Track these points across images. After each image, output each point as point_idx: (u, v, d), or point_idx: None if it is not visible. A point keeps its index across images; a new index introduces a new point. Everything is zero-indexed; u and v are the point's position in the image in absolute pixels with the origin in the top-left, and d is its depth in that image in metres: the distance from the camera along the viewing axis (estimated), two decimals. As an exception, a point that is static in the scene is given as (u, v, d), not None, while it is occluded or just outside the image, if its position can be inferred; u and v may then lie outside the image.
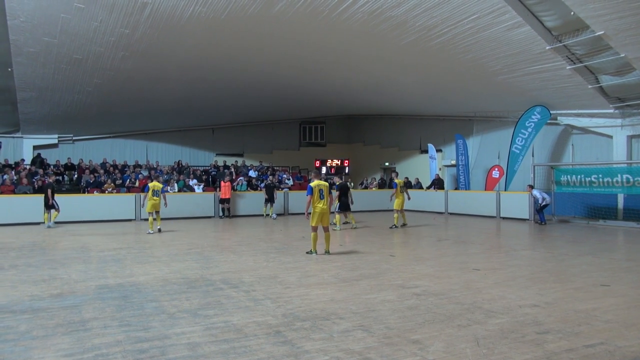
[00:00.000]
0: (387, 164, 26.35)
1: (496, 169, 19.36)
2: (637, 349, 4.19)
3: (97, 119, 21.00)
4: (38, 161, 20.04)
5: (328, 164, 27.61)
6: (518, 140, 17.67)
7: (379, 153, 26.91)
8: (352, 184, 24.51)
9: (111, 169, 20.47)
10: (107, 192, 18.05)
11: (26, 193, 16.56)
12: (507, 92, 16.56)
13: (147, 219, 13.97)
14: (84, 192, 18.14)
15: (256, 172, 22.50)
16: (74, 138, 22.88)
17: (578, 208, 16.55)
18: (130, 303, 5.68)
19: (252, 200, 19.02)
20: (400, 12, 11.62)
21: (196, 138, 25.50)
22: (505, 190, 17.91)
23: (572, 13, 10.89)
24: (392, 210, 14.91)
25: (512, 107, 18.22)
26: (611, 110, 15.21)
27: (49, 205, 14.69)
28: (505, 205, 17.25)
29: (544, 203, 15.36)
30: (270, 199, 18.21)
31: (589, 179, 15.54)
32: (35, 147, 21.85)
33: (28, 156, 21.19)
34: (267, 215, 18.36)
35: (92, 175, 19.18)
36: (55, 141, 22.40)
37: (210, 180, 21.05)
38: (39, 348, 4.19)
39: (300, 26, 12.89)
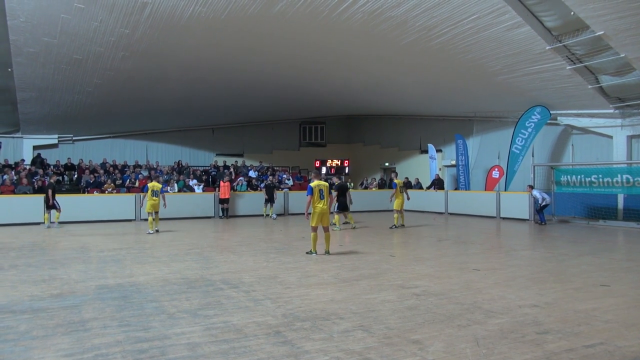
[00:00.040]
0: (387, 164, 26.35)
1: (496, 169, 19.36)
2: (637, 349, 4.19)
3: (97, 119, 21.01)
4: (38, 161, 20.04)
5: (328, 164, 27.61)
6: (518, 140, 17.67)
7: (379, 153, 26.92)
8: (352, 184, 24.56)
9: (111, 169, 20.47)
10: (107, 192, 18.05)
11: (26, 193, 16.56)
12: (507, 92, 16.56)
13: (147, 219, 13.96)
14: (83, 192, 18.14)
15: (256, 172, 22.50)
16: (74, 138, 22.89)
17: (578, 208, 16.55)
18: (130, 303, 5.68)
19: (252, 201, 19.02)
20: (400, 12, 11.62)
21: (196, 138, 25.50)
22: (505, 191, 17.91)
23: (572, 13, 10.89)
24: (392, 211, 14.90)
25: (512, 107, 18.22)
26: (611, 111, 15.21)
27: (50, 206, 14.68)
28: (505, 205, 17.25)
29: (544, 203, 15.36)
30: (270, 199, 18.21)
31: (589, 179, 15.53)
32: (35, 147, 21.86)
33: (28, 156, 21.20)
34: (267, 215, 18.36)
35: (92, 176, 19.18)
36: (55, 141, 22.41)
37: (210, 180, 21.05)
38: (38, 348, 4.19)
39: (300, 26, 12.89)
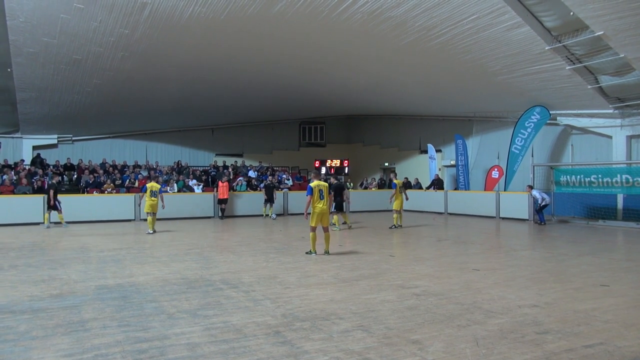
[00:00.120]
0: (386, 164, 26.35)
1: (496, 169, 19.36)
2: (637, 349, 4.19)
3: (96, 119, 21.00)
4: (37, 161, 20.03)
5: (328, 164, 27.61)
6: (517, 140, 17.68)
7: (379, 153, 26.92)
8: (352, 184, 24.59)
9: (110, 169, 20.47)
10: (106, 192, 18.05)
11: (26, 193, 16.56)
12: (507, 93, 16.57)
13: (146, 219, 13.95)
14: (83, 193, 18.14)
15: (256, 173, 22.50)
16: (73, 138, 22.88)
17: (577, 208, 16.55)
18: (129, 303, 5.68)
19: (251, 201, 19.02)
20: (400, 12, 11.62)
21: (196, 138, 25.49)
22: (504, 191, 17.92)
23: (571, 13, 10.89)
24: (391, 211, 14.90)
25: (512, 107, 18.23)
26: (611, 111, 15.22)
27: (51, 206, 14.67)
28: (504, 205, 17.25)
29: (543, 203, 15.37)
30: (269, 199, 18.21)
31: (589, 179, 15.54)
32: (34, 148, 21.85)
33: (27, 156, 21.19)
34: (267, 215, 18.36)
35: (91, 176, 19.18)
36: (55, 141, 22.40)
37: (210, 180, 21.05)
38: (38, 348, 4.19)
39: (300, 26, 12.89)
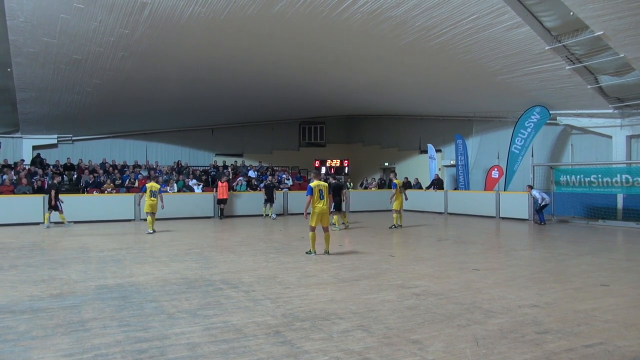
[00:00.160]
0: (386, 164, 26.36)
1: (496, 169, 19.37)
2: (637, 349, 4.19)
3: (96, 119, 21.00)
4: (37, 161, 20.03)
5: (328, 164, 27.62)
6: (517, 140, 17.68)
7: (379, 153, 26.92)
8: (351, 184, 24.59)
9: (110, 169, 20.47)
10: (106, 192, 18.05)
11: (25, 193, 16.56)
12: (507, 92, 16.57)
13: (146, 219, 13.94)
14: (83, 192, 18.14)
15: (256, 173, 22.50)
16: (73, 138, 22.88)
17: (577, 208, 16.56)
18: (129, 303, 5.68)
19: (251, 201, 19.02)
20: (399, 12, 11.62)
21: (196, 138, 25.50)
22: (504, 191, 17.92)
23: (571, 13, 10.89)
24: (391, 211, 14.88)
25: (512, 107, 18.23)
26: (610, 111, 15.22)
27: (52, 206, 14.67)
28: (504, 205, 17.26)
29: (543, 203, 15.37)
30: (269, 199, 18.21)
31: (589, 179, 15.55)
32: (34, 147, 21.86)
33: (27, 156, 21.19)
34: (267, 215, 18.36)
35: (91, 176, 19.18)
36: (55, 141, 22.41)
37: (210, 180, 21.06)
38: (38, 348, 4.19)
39: (300, 26, 12.89)
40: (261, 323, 4.89)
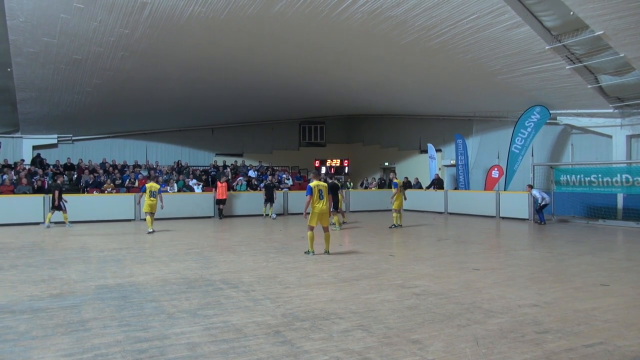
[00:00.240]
0: (386, 163, 26.36)
1: (496, 169, 19.37)
2: (637, 348, 4.19)
3: (96, 119, 21.01)
4: (37, 161, 20.04)
5: (328, 164, 27.63)
6: (517, 140, 17.68)
7: (379, 153, 26.93)
8: (351, 183, 24.59)
9: (110, 169, 20.47)
10: (106, 192, 18.05)
11: (26, 193, 16.55)
12: (507, 92, 16.56)
13: (145, 219, 13.93)
14: (83, 192, 18.13)
15: (256, 172, 22.50)
16: (73, 138, 22.89)
17: (577, 208, 16.56)
18: (129, 303, 5.68)
19: (251, 201, 19.02)
20: (399, 12, 11.62)
21: (196, 138, 25.50)
22: (504, 190, 17.92)
23: (571, 13, 10.89)
24: (391, 210, 14.87)
25: (512, 107, 18.22)
26: (611, 110, 15.22)
27: (56, 206, 14.66)
28: (504, 205, 17.25)
29: (543, 203, 15.37)
30: (269, 199, 18.21)
31: (589, 178, 15.54)
32: (34, 147, 21.86)
33: (27, 156, 21.19)
34: (267, 215, 18.36)
35: (91, 176, 19.18)
36: (55, 141, 22.41)
37: (210, 180, 21.06)
38: (38, 348, 4.19)
39: (300, 26, 12.88)
40: (261, 323, 4.89)
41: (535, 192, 15.68)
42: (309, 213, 9.14)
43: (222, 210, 17.91)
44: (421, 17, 11.80)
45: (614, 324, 4.85)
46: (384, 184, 23.11)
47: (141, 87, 17.84)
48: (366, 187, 23.26)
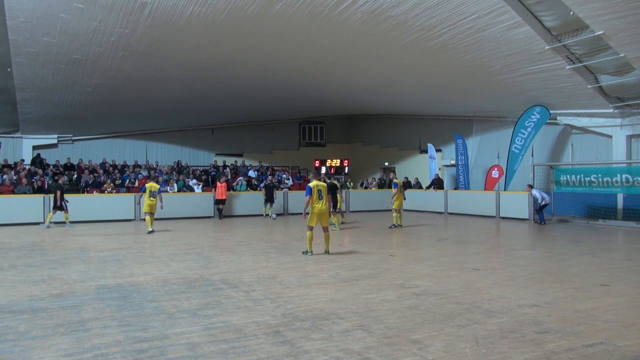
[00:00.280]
0: (386, 163, 26.37)
1: (496, 169, 19.36)
2: (637, 348, 4.19)
3: (96, 119, 21.00)
4: (37, 161, 20.03)
5: (328, 164, 27.63)
6: (517, 140, 17.67)
7: (379, 153, 26.93)
8: (351, 183, 24.59)
9: (110, 169, 20.47)
10: (106, 192, 18.05)
11: (26, 193, 16.55)
12: (507, 92, 16.56)
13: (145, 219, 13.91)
14: (83, 192, 18.13)
15: (256, 172, 22.50)
16: (73, 138, 22.88)
17: (577, 208, 16.55)
18: (129, 303, 5.68)
19: (251, 201, 19.02)
20: (399, 12, 11.62)
21: (196, 138, 25.50)
22: (504, 190, 17.91)
23: (571, 13, 10.89)
24: (391, 210, 14.86)
25: (512, 107, 18.22)
26: (611, 110, 15.21)
27: (58, 206, 14.66)
28: (504, 205, 17.25)
29: (543, 203, 15.37)
30: (269, 199, 18.21)
31: (589, 178, 15.54)
32: (34, 147, 21.86)
33: (27, 156, 21.19)
34: (267, 215, 18.36)
35: (91, 176, 19.18)
36: (55, 141, 22.41)
37: (210, 180, 21.06)
38: (38, 348, 4.19)
39: (300, 26, 12.88)
40: (261, 323, 4.89)
41: (535, 192, 15.68)
42: (308, 213, 9.14)
43: (222, 210, 17.90)
44: (421, 17, 11.80)
45: (614, 324, 4.85)
46: (384, 184, 23.11)
47: (141, 87, 17.84)
48: (366, 187, 23.26)
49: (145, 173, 20.33)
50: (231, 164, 23.31)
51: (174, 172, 20.55)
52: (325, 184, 9.44)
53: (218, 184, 17.87)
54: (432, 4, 11.12)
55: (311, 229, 9.19)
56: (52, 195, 15.04)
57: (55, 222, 15.00)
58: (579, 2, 10.21)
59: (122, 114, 21.20)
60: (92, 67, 15.14)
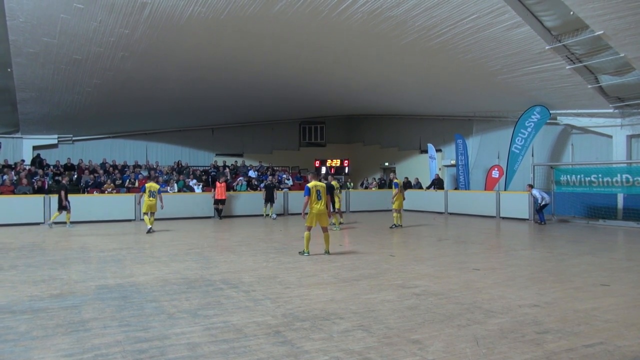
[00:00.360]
0: (387, 164, 26.37)
1: (496, 169, 19.36)
2: (637, 348, 4.19)
3: (96, 119, 21.00)
4: (37, 161, 20.04)
5: (328, 164, 27.63)
6: (518, 140, 17.67)
7: (379, 153, 26.93)
8: (351, 184, 24.60)
9: (111, 169, 20.48)
10: (106, 192, 18.05)
11: (26, 193, 16.56)
12: (507, 92, 16.56)
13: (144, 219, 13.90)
14: (83, 193, 18.14)
15: (256, 173, 22.50)
16: (73, 138, 22.89)
17: (578, 208, 16.55)
18: (130, 303, 5.68)
19: (251, 201, 19.02)
20: (399, 12, 11.62)
21: (196, 138, 25.50)
22: (505, 190, 17.91)
23: (571, 13, 10.89)
24: (391, 210, 14.87)
25: (512, 107, 18.22)
26: (611, 110, 15.21)
27: (62, 206, 14.67)
28: (505, 205, 17.25)
29: (543, 203, 15.37)
30: (269, 199, 18.21)
31: (589, 178, 15.54)
32: (34, 148, 21.86)
33: (28, 156, 21.20)
34: (267, 215, 18.36)
35: (91, 176, 19.18)
36: (55, 141, 22.41)
37: (210, 180, 21.06)
38: (38, 348, 4.19)
39: (300, 26, 12.89)
40: (261, 323, 4.89)
41: (535, 192, 15.68)
42: (307, 213, 9.14)
43: (221, 210, 17.91)
44: (421, 17, 11.80)
45: (614, 324, 4.85)
46: (384, 184, 23.11)
47: (141, 87, 17.84)
48: (366, 187, 23.26)
49: (145, 173, 20.34)
50: (231, 164, 23.32)
51: (174, 172, 20.55)
52: (323, 185, 9.43)
53: (217, 184, 17.87)
54: (432, 4, 11.12)
55: (309, 229, 9.19)
56: (52, 196, 15.03)
57: (56, 222, 15.00)
58: (579, 2, 10.21)
59: (122, 114, 21.20)
60: (92, 67, 15.14)
